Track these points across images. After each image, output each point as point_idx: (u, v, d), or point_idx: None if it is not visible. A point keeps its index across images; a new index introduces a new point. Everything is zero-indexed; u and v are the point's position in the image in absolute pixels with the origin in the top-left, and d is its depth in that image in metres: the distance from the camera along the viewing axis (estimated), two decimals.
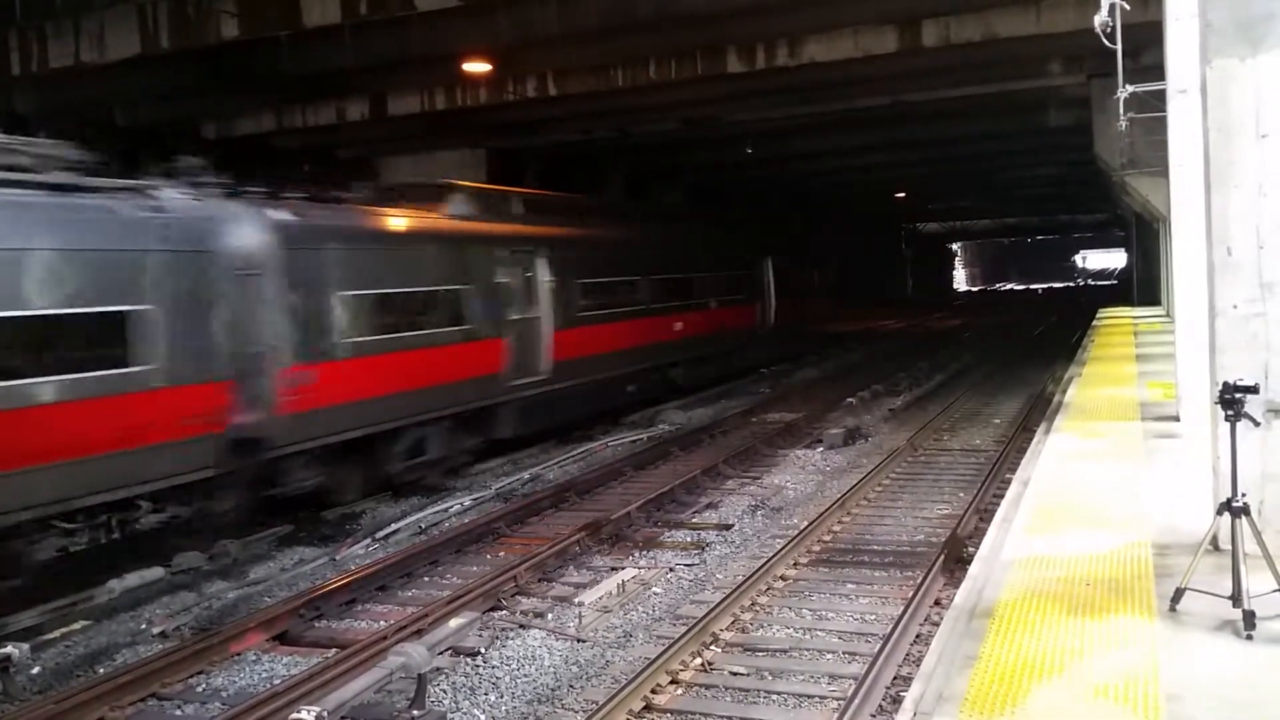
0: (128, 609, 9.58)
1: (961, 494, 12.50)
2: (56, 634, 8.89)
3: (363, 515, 13.01)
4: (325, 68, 17.69)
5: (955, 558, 9.40)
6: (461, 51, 17.13)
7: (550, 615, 9.07)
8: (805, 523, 11.26)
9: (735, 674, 7.57)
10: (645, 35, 17.34)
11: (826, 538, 10.88)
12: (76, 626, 9.10)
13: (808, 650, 7.98)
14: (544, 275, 16.44)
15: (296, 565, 11.03)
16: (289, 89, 19.69)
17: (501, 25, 16.21)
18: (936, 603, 8.53)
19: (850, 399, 20.35)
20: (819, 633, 8.34)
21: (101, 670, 8.31)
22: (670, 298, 21.02)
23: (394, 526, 12.22)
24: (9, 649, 8.12)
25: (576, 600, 9.25)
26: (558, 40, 16.95)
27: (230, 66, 17.39)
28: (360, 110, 21.42)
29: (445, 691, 7.62)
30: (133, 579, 9.64)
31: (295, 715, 6.53)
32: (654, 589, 9.69)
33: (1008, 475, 11.17)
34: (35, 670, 8.12)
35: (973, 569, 7.04)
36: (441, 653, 7.92)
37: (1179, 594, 5.64)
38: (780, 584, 9.45)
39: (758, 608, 8.85)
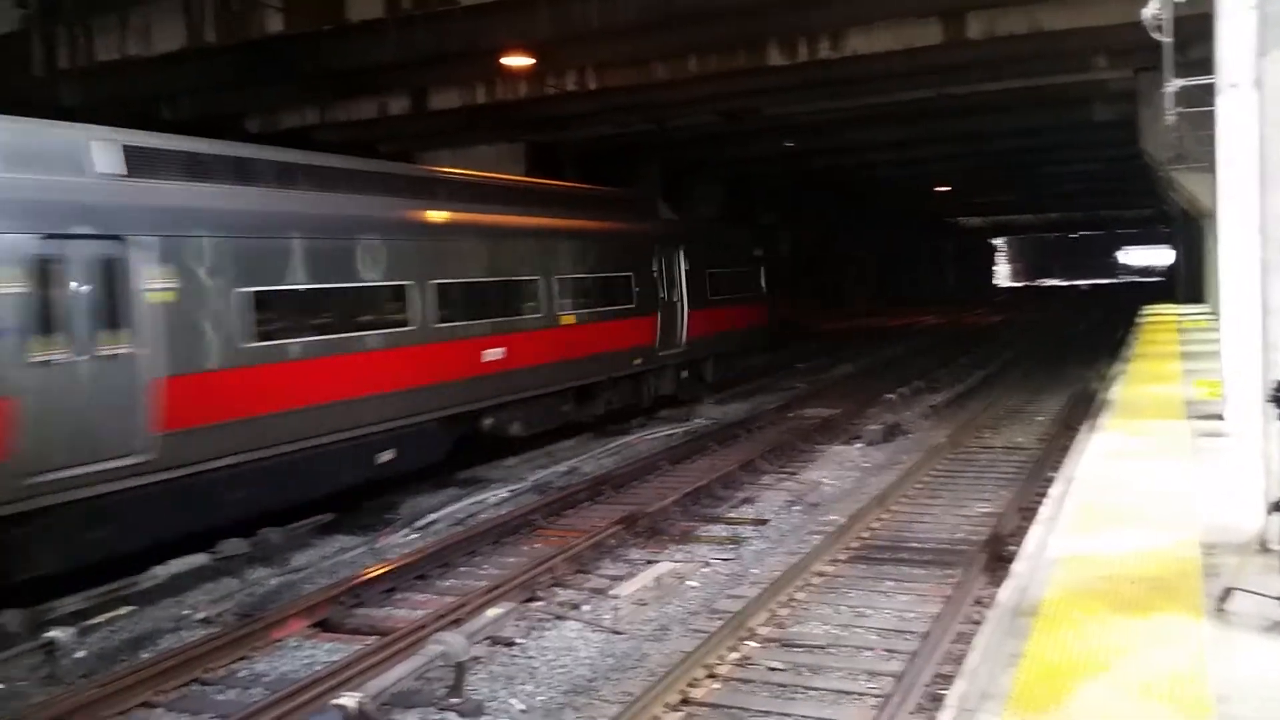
0: (171, 595, 9.71)
1: (1003, 492, 12.38)
2: (102, 619, 9.03)
3: (401, 505, 13.10)
4: (367, 62, 17.80)
5: (996, 556, 9.32)
6: (501, 46, 17.17)
7: (586, 607, 9.09)
8: (843, 519, 11.21)
9: (772, 669, 7.55)
10: (685, 28, 17.30)
11: (865, 534, 10.81)
12: (122, 612, 9.23)
13: (846, 647, 7.94)
14: (145, 278, 9.58)
15: (337, 553, 11.14)
16: (331, 83, 19.84)
17: (541, 19, 16.24)
18: (977, 601, 8.45)
19: (889, 395, 20.20)
20: (857, 629, 8.28)
21: (146, 655, 8.43)
22: (477, 311, 13.92)
23: (432, 517, 12.30)
24: (55, 633, 8.27)
25: (613, 593, 9.26)
26: (597, 34, 16.95)
27: (273, 60, 17.55)
28: (401, 105, 21.55)
29: (483, 680, 7.65)
30: (176, 565, 9.78)
31: (336, 701, 6.61)
32: (690, 583, 9.69)
33: (1050, 473, 11.05)
34: (81, 654, 8.24)
35: (1016, 567, 6.98)
36: (479, 642, 7.99)
37: (1227, 594, 5.56)
38: (818, 580, 9.40)
39: (795, 603, 8.81)
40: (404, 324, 12.64)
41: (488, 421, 14.32)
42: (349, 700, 6.56)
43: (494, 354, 14.15)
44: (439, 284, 13.20)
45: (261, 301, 10.76)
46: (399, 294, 12.65)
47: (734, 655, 7.73)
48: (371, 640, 8.37)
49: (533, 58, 17.57)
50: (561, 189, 18.61)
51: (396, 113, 21.79)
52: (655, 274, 18.79)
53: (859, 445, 15.86)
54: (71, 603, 8.99)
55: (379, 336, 12.24)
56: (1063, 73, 20.25)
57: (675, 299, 19.40)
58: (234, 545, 10.41)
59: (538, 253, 15.55)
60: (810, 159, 34.29)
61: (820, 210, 47.00)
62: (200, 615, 9.20)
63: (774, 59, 18.58)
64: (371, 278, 12.24)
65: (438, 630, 8.17)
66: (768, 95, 22.14)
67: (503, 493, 13.49)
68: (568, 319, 16.01)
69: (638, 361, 18.15)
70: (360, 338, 11.98)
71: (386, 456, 12.36)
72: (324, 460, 11.47)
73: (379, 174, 13.52)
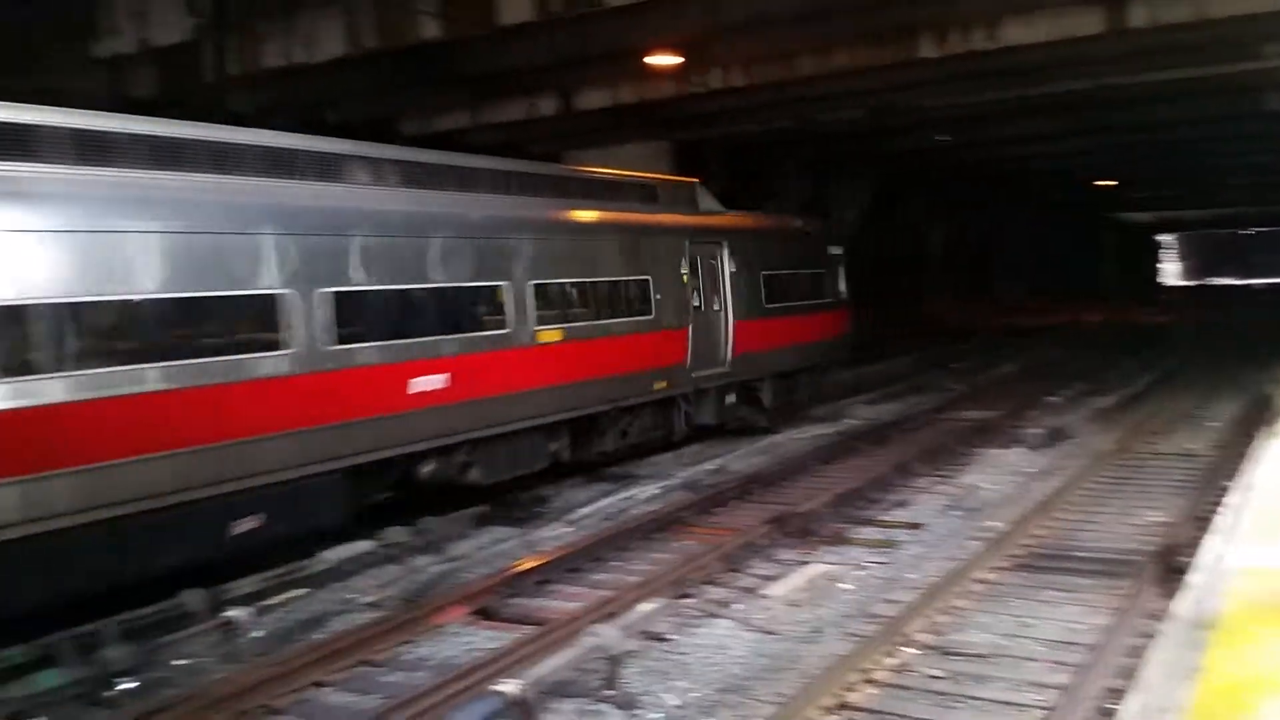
0: (340, 579, 10.16)
1: (1175, 500, 11.78)
2: (277, 600, 9.52)
3: (553, 499, 13.34)
4: (517, 65, 18.16)
5: (1169, 567, 8.88)
6: (648, 45, 17.27)
7: (738, 605, 9.08)
8: (1004, 525, 10.86)
9: (932, 677, 7.38)
10: (833, 21, 17.02)
11: (1028, 541, 10.44)
12: (295, 594, 9.71)
13: (1009, 657, 7.70)
14: None
15: (492, 543, 11.44)
16: (482, 86, 20.32)
17: (689, 17, 16.25)
18: (1149, 614, 8.07)
19: (1051, 397, 19.50)
20: (1021, 639, 8.02)
21: (318, 636, 8.82)
22: (400, 328, 10.75)
23: (583, 511, 12.52)
24: (235, 612, 8.75)
25: (764, 592, 9.24)
26: (743, 29, 16.85)
27: (429, 65, 18.06)
28: (550, 106, 21.89)
29: (637, 674, 7.71)
30: (344, 550, 10.23)
31: (498, 687, 6.77)
32: (843, 585, 9.56)
33: (1226, 481, 10.48)
34: (259, 634, 8.72)
35: (1192, 578, 6.67)
36: (633, 636, 8.07)
37: None
38: (978, 587, 9.14)
39: (954, 610, 8.59)
40: (275, 346, 9.47)
41: (427, 469, 11.31)
42: (510, 687, 6.72)
43: (429, 383, 10.89)
44: (335, 293, 9.99)
45: (13, 319, 7.83)
46: (268, 307, 9.45)
47: (891, 661, 7.60)
48: (528, 629, 8.56)
49: (679, 56, 17.60)
50: (538, 171, 14.25)
51: (545, 114, 22.17)
52: (686, 278, 15.25)
53: (1020, 449, 15.31)
54: (249, 584, 9.50)
55: (232, 364, 9.11)
56: (1231, 61, 19.14)
57: (717, 308, 15.96)
58: (397, 533, 10.83)
59: (500, 252, 12.04)
60: (962, 152, 33.41)
61: (973, 205, 45.77)
62: (367, 599, 9.57)
63: (926, 50, 18.09)
64: (226, 285, 9.13)
65: (593, 623, 8.31)
66: (919, 88, 21.64)
67: (652, 489, 13.58)
68: (550, 335, 12.62)
69: (661, 385, 14.63)
70: (198, 366, 8.84)
71: (248, 525, 9.27)
72: (128, 538, 8.49)
73: (251, 147, 10.07)
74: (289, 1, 16.72)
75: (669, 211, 15.85)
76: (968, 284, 49.24)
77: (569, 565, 10.27)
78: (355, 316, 10.25)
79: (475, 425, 11.57)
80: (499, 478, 12.25)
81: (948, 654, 7.76)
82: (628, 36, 16.80)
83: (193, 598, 9.08)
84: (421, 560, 10.75)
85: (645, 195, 15.68)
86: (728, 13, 16.00)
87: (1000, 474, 13.89)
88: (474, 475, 11.88)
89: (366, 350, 10.32)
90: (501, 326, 11.98)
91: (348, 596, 9.73)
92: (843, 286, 20.33)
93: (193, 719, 7.10)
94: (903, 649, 7.82)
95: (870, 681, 7.27)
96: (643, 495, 13.31)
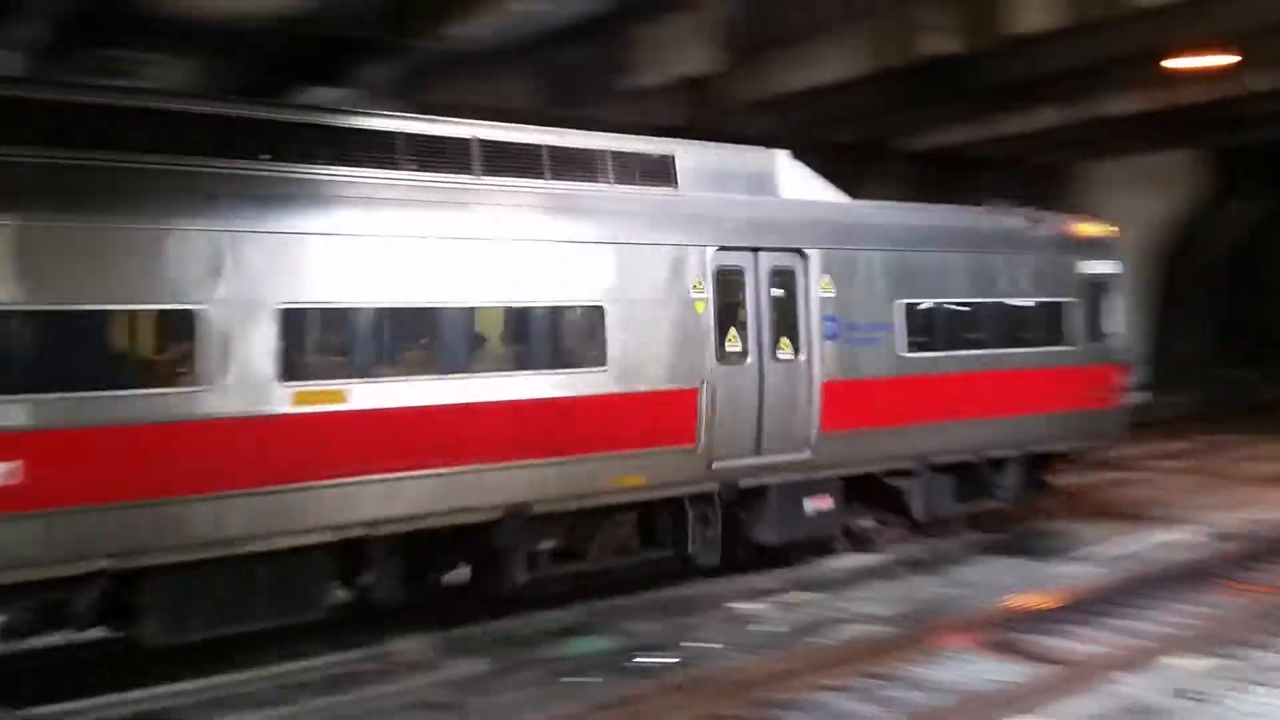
0: (842, 587, 10.33)
1: None
2: (786, 599, 9.86)
3: (1065, 534, 12.49)
4: (1029, 74, 17.39)
5: None
6: (1182, 46, 15.74)
7: None
8: None
9: None
10: None
11: None
12: (804, 596, 9.98)
13: None
14: None
15: (1001, 573, 11.00)
16: (987, 99, 19.65)
17: (1228, 14, 14.60)
18: None
19: None
20: None
21: (819, 640, 8.93)
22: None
23: (1099, 550, 11.68)
24: (749, 605, 9.19)
25: None
26: None
27: (933, 80, 17.79)
28: (1056, 115, 20.68)
29: None
30: (851, 561, 10.36)
31: None
32: None
33: None
34: (768, 629, 9.08)
35: None
36: (1165, 693, 7.30)
37: None
38: None
39: None
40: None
41: None
42: None
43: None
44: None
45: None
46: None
47: None
48: (1044, 667, 8.02)
49: (1234, 55, 15.83)
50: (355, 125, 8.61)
51: (1051, 124, 20.95)
52: (701, 305, 9.62)
53: None
54: (764, 581, 9.93)
55: None
56: None
57: (787, 355, 10.17)
58: (903, 551, 10.77)
59: (184, 256, 7.21)
60: None
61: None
62: (871, 612, 9.60)
63: None
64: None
65: (1116, 670, 7.62)
66: None
67: (1177, 534, 12.37)
68: (321, 397, 7.68)
69: (633, 482, 9.25)
70: None
71: None
72: None
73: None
74: (800, 28, 17.34)
75: (692, 197, 10.06)
76: None
77: (1086, 607, 9.51)
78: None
79: (124, 547, 6.94)
80: (208, 633, 7.61)
81: None
82: (1154, 39, 15.48)
83: (708, 587, 9.69)
84: (923, 580, 10.64)
85: (641, 172, 9.86)
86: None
87: None
88: (152, 632, 7.38)
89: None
90: (194, 383, 7.20)
91: (849, 607, 9.82)
92: (1114, 329, 13.03)
93: (710, 700, 7.46)
94: None
95: None
96: (1167, 540, 12.12)
